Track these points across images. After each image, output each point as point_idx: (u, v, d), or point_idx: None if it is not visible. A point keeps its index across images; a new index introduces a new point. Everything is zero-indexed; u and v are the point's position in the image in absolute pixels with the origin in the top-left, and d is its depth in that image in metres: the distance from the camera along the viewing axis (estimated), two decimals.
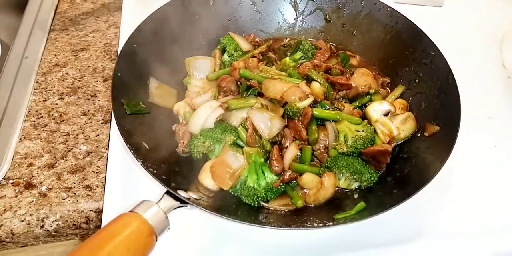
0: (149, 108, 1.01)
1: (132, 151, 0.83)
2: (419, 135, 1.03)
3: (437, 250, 0.95)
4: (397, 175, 0.97)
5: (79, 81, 1.30)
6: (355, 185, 0.99)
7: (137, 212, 0.73)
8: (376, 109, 1.02)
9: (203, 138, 0.97)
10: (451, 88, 1.01)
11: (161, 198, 0.78)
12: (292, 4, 1.26)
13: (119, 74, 0.95)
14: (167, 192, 0.79)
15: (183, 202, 0.79)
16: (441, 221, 0.99)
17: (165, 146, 0.98)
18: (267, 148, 0.98)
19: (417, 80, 1.11)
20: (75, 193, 1.04)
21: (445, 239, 0.96)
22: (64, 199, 1.03)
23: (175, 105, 1.07)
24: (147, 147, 0.91)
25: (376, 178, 0.97)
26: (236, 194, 0.96)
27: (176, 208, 0.78)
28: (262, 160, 0.96)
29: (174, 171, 0.92)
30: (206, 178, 0.94)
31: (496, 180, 1.08)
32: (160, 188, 0.83)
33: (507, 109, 1.23)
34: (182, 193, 0.80)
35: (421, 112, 1.07)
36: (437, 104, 1.03)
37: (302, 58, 1.21)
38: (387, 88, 1.16)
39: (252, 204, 0.93)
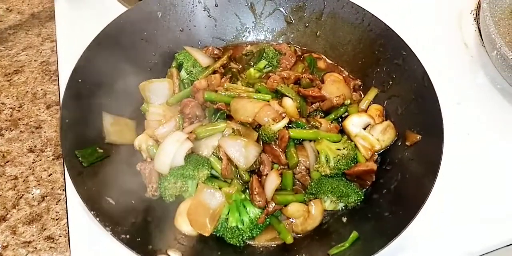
0: (107, 150, 0.89)
1: (98, 219, 0.71)
2: (399, 143, 0.98)
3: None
4: (383, 192, 0.92)
5: (19, 111, 1.15)
6: (341, 205, 0.94)
7: None
8: (354, 123, 0.96)
9: (173, 178, 0.87)
10: (428, 92, 0.95)
11: None
12: (249, 6, 1.13)
13: (67, 121, 0.82)
14: None
15: None
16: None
17: (132, 193, 0.87)
18: (246, 179, 0.90)
19: (390, 82, 1.05)
20: (35, 248, 0.94)
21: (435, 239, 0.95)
22: None
23: (135, 140, 0.95)
24: (113, 203, 0.80)
25: (362, 197, 0.92)
26: (218, 234, 0.88)
27: None
28: (243, 196, 0.88)
29: (147, 223, 0.82)
30: (183, 224, 0.85)
31: (473, 168, 1.05)
32: None
33: (474, 94, 1.19)
34: None
35: (399, 117, 1.01)
36: (415, 109, 0.98)
37: (267, 66, 1.11)
38: (360, 91, 1.10)
39: (238, 244, 0.86)
